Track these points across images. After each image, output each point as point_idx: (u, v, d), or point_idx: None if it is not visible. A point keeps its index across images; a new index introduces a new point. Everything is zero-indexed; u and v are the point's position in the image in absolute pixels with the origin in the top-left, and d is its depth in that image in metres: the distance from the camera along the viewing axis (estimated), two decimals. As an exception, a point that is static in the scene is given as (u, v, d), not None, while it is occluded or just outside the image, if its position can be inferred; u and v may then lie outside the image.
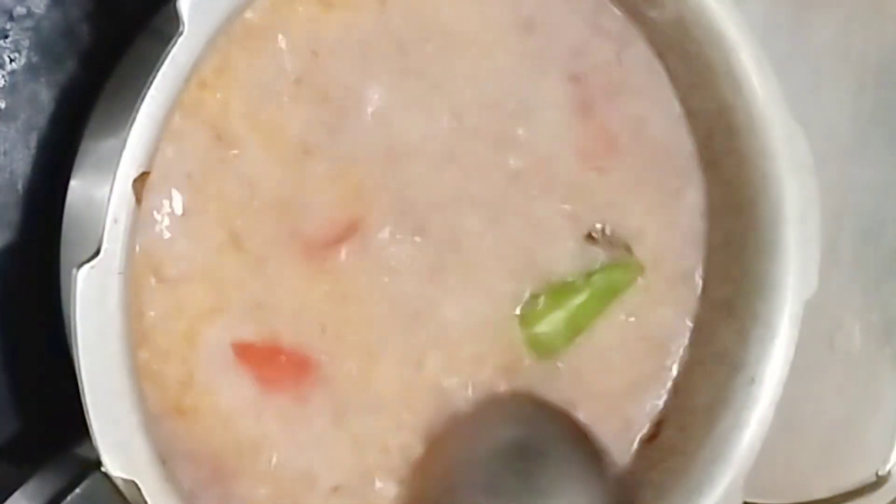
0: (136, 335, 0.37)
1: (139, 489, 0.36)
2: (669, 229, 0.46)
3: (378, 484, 0.42)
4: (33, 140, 0.42)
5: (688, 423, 0.46)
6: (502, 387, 0.44)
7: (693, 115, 0.45)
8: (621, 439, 0.46)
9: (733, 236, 0.45)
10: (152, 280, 0.38)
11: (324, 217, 0.40)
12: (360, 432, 0.42)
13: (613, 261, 0.45)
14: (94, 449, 0.35)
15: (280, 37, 0.39)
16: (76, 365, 0.35)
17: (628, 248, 0.45)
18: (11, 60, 0.41)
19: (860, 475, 0.56)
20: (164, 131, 0.35)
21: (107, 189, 0.35)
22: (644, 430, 0.46)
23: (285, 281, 0.40)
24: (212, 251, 0.39)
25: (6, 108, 0.41)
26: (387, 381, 0.42)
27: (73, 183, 0.40)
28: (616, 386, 0.46)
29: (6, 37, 0.41)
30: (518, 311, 0.44)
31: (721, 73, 0.44)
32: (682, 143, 0.46)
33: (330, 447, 0.41)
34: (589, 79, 0.44)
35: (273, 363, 0.40)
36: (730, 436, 0.44)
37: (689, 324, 0.46)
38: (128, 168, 0.35)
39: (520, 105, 0.43)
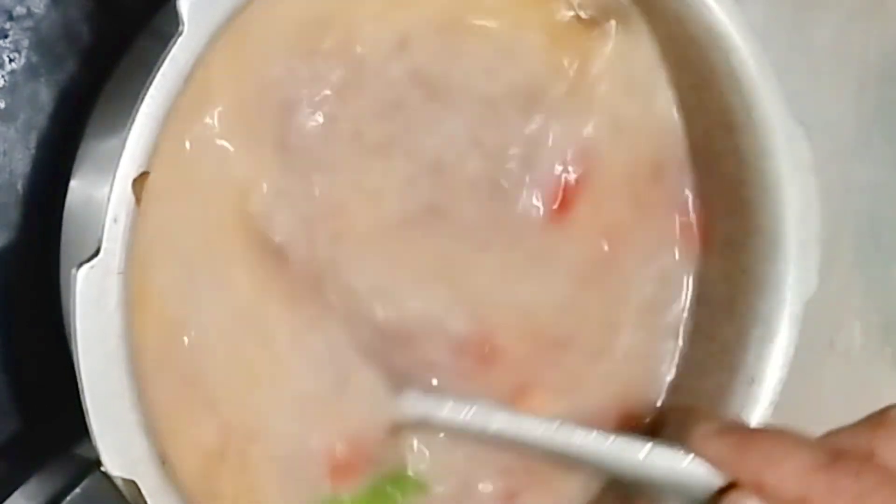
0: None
1: (139, 489, 0.36)
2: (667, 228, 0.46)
3: None
4: (33, 140, 0.42)
5: (687, 422, 0.45)
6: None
7: (693, 115, 0.45)
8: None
9: (733, 236, 0.45)
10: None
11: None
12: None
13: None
14: (94, 449, 0.35)
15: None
16: (76, 365, 0.35)
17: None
18: (11, 60, 0.41)
19: (860, 475, 0.56)
20: (163, 131, 0.35)
21: (107, 189, 0.35)
22: (643, 430, 0.46)
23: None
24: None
25: (6, 108, 0.41)
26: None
27: (73, 183, 0.40)
28: (616, 385, 0.46)
29: (6, 37, 0.41)
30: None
31: (721, 73, 0.44)
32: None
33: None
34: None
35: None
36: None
37: (689, 323, 0.47)
38: (127, 168, 0.35)
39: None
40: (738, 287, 0.45)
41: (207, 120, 0.38)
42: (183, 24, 0.35)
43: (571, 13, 0.43)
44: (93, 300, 0.35)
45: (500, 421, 0.42)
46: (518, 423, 0.42)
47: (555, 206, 0.44)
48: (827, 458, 0.39)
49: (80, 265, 0.34)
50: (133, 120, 0.35)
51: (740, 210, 0.45)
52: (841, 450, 0.40)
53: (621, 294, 0.45)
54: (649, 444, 0.41)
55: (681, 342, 0.46)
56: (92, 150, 0.39)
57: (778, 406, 0.44)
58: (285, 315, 0.40)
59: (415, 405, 0.41)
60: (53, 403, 0.41)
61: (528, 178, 0.43)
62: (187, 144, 0.38)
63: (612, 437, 0.42)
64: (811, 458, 0.39)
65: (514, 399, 0.44)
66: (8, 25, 0.41)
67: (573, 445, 0.42)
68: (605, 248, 0.45)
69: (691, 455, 0.40)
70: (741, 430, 0.42)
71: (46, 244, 0.40)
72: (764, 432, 0.42)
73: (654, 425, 0.46)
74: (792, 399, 0.45)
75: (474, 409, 0.41)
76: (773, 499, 0.39)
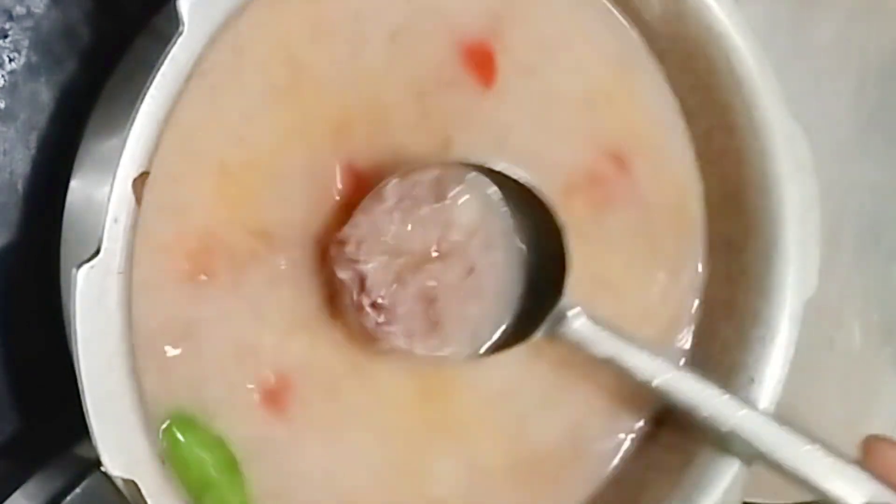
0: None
1: (139, 489, 0.36)
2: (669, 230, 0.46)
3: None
4: (33, 140, 0.42)
5: (688, 423, 0.46)
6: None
7: (693, 115, 0.45)
8: (621, 439, 0.46)
9: (733, 236, 0.46)
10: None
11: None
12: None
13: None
14: (94, 449, 0.35)
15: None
16: (76, 365, 0.35)
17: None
18: (11, 60, 0.41)
19: (860, 475, 0.56)
20: (164, 131, 0.35)
21: (107, 189, 0.35)
22: (644, 430, 0.46)
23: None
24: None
25: (6, 108, 0.41)
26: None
27: (73, 183, 0.40)
28: (615, 386, 0.46)
29: (6, 37, 0.41)
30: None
31: (721, 73, 0.44)
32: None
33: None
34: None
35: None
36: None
37: (690, 324, 0.47)
38: (128, 168, 0.35)
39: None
40: (738, 287, 0.45)
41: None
42: (183, 24, 0.35)
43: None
44: (93, 300, 0.35)
45: (669, 378, 0.42)
46: (689, 385, 0.42)
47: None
48: None
49: (81, 265, 0.34)
50: (133, 120, 0.35)
51: (740, 210, 0.45)
52: None
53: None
54: (816, 444, 0.41)
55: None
56: (92, 150, 0.39)
57: (778, 406, 0.44)
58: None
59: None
60: (53, 403, 0.41)
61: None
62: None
63: (778, 425, 0.42)
64: None
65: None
66: (8, 25, 0.41)
67: (734, 418, 0.42)
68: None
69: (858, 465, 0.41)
70: None
71: (46, 244, 0.40)
72: None
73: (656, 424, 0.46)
74: (792, 399, 0.45)
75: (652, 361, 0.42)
76: None
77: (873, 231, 0.57)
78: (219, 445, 0.39)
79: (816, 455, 0.41)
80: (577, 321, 0.41)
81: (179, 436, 0.38)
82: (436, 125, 0.42)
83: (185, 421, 0.38)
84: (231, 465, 0.39)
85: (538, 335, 0.42)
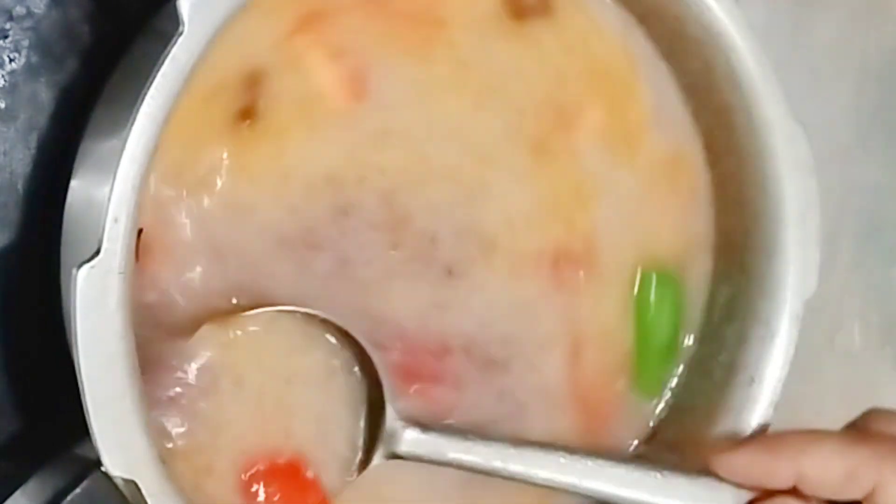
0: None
1: (139, 489, 0.36)
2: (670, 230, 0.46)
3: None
4: (33, 140, 0.42)
5: (688, 423, 0.46)
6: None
7: (693, 115, 0.45)
8: (621, 440, 0.46)
9: (733, 236, 0.46)
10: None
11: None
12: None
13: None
14: (94, 449, 0.35)
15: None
16: (76, 365, 0.35)
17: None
18: (11, 60, 0.41)
19: (860, 475, 0.56)
20: (163, 132, 0.35)
21: (107, 189, 0.35)
22: (644, 430, 0.46)
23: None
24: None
25: (6, 108, 0.41)
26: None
27: (73, 183, 0.40)
28: (616, 386, 0.46)
29: (6, 37, 0.41)
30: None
31: (721, 73, 0.44)
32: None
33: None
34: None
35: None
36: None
37: (689, 324, 0.47)
38: (128, 168, 0.35)
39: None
40: (738, 287, 0.45)
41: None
42: (183, 24, 0.35)
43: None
44: (93, 300, 0.35)
45: (505, 460, 0.41)
46: (527, 461, 0.41)
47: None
48: (858, 434, 0.39)
49: (81, 265, 0.34)
50: (133, 120, 0.35)
51: (740, 210, 0.45)
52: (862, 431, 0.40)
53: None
54: (664, 471, 0.41)
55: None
56: (92, 150, 0.39)
57: (778, 406, 0.44)
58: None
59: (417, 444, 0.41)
60: (53, 403, 0.41)
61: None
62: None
63: (624, 467, 0.41)
64: (844, 437, 0.39)
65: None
66: (8, 25, 0.41)
67: (585, 482, 0.41)
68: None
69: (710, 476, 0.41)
70: (758, 438, 0.42)
71: (46, 244, 0.40)
72: (783, 433, 0.42)
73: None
74: (792, 399, 0.45)
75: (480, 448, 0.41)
76: (817, 487, 0.39)
77: (873, 231, 0.57)
78: None
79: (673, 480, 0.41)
80: (409, 435, 0.40)
81: None
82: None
83: None
84: None
85: (376, 460, 0.40)
